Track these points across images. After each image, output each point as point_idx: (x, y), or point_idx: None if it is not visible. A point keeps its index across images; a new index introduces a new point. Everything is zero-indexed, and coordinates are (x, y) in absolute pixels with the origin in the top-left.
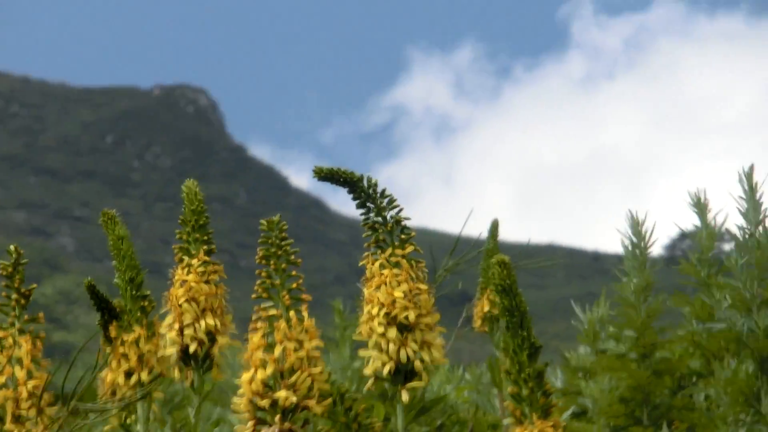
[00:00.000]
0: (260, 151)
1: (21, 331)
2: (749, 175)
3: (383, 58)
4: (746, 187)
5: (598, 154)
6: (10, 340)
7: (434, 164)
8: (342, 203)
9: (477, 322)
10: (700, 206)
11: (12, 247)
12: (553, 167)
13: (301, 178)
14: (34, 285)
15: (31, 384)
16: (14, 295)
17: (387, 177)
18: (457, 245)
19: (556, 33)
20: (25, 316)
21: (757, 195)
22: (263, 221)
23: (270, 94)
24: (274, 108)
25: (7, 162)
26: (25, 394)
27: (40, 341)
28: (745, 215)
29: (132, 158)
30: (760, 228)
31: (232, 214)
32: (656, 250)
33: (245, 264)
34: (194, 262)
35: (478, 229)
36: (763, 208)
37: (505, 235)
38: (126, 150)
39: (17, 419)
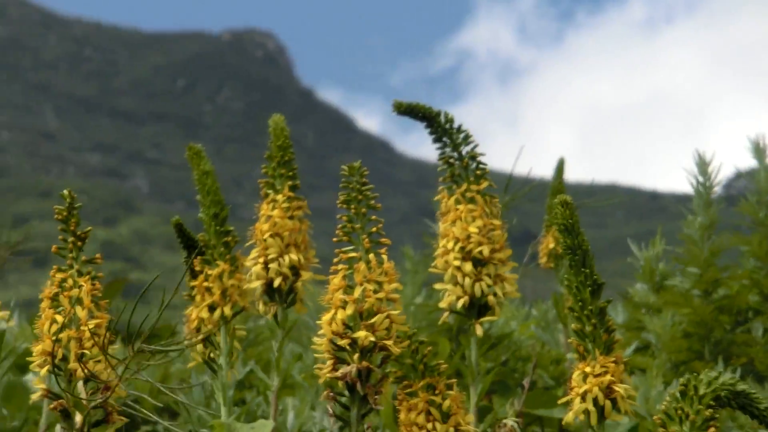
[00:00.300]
0: (330, 95)
1: (79, 273)
2: None
3: (449, 2)
4: None
5: (658, 97)
6: (70, 281)
7: (499, 107)
8: (408, 145)
9: (543, 259)
10: (758, 150)
11: (65, 192)
12: (615, 110)
13: (369, 121)
14: (90, 228)
15: (92, 323)
16: (71, 238)
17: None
18: (520, 184)
19: None
20: (83, 257)
21: None
22: (344, 166)
23: (339, 38)
24: (343, 53)
25: (81, 105)
26: (87, 334)
27: (98, 281)
28: None
29: (203, 101)
30: None
31: (300, 155)
32: (717, 190)
33: (313, 204)
34: (279, 197)
35: (543, 169)
36: None
37: (568, 174)
38: (197, 93)
39: (81, 359)
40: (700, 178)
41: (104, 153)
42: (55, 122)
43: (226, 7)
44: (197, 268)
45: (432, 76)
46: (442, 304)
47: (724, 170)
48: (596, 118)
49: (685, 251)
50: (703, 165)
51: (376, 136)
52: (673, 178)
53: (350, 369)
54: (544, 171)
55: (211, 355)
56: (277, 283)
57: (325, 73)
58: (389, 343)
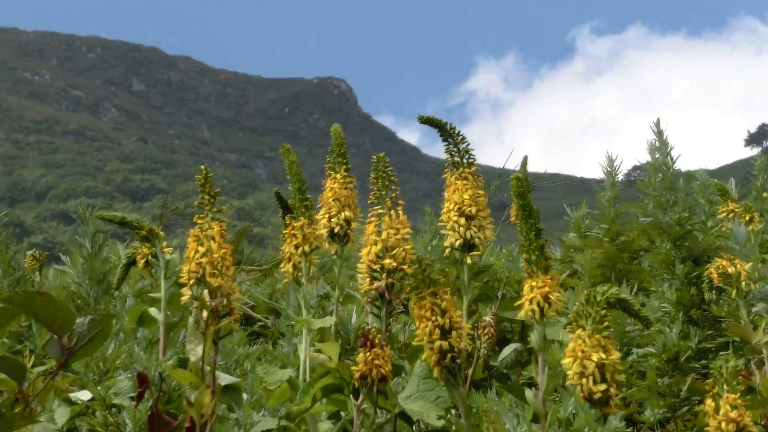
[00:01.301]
0: (383, 120)
1: (213, 219)
2: (658, 126)
3: (461, 60)
4: (656, 135)
5: (592, 121)
6: (206, 224)
7: (491, 129)
8: (431, 150)
9: (513, 217)
10: (651, 149)
11: (202, 167)
12: (565, 129)
13: (409, 135)
14: (218, 189)
15: (221, 252)
16: (206, 197)
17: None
18: (506, 175)
19: (567, 47)
20: (214, 209)
21: (664, 137)
22: (374, 156)
23: (390, 82)
24: (394, 93)
25: (224, 123)
26: (218, 258)
27: (225, 225)
28: (656, 150)
29: (300, 122)
30: (668, 159)
31: (359, 156)
32: (621, 177)
33: (362, 184)
34: (338, 176)
35: (517, 164)
36: (669, 148)
37: (531, 167)
38: (297, 116)
39: (213, 275)
40: (608, 168)
41: (238, 153)
42: (207, 134)
43: (317, 61)
44: (287, 222)
45: (449, 107)
46: (446, 243)
47: (627, 163)
48: (552, 134)
49: (599, 213)
50: (610, 160)
51: (411, 144)
52: (595, 170)
53: (380, 283)
54: (517, 163)
55: (298, 275)
56: (336, 230)
57: (381, 105)
58: (405, 266)
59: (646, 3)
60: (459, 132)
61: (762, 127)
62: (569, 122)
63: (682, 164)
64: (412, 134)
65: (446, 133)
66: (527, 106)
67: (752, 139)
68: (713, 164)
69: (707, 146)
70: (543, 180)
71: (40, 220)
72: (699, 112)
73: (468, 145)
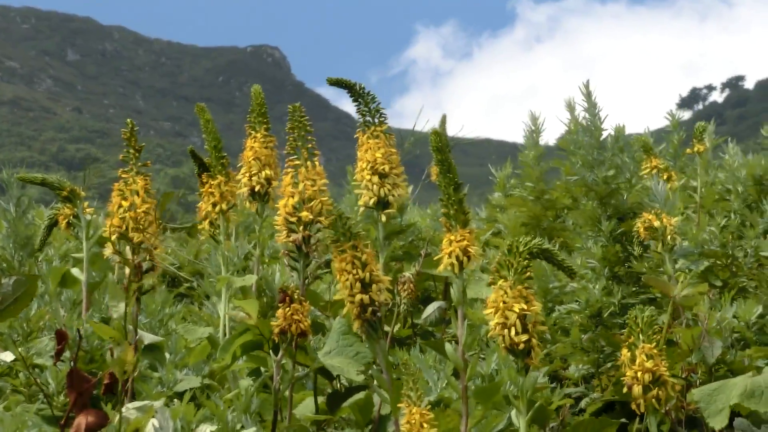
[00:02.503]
0: (324, 90)
1: (137, 173)
2: (587, 87)
3: (401, 29)
4: (585, 96)
5: (531, 88)
6: (131, 179)
7: (431, 97)
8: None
9: (433, 176)
10: (570, 107)
11: (128, 120)
12: (503, 95)
13: (348, 105)
14: (144, 144)
15: (144, 207)
16: (132, 151)
17: (401, 105)
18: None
19: (508, 14)
20: (139, 164)
21: (592, 98)
22: (290, 106)
23: (327, 52)
24: (331, 63)
25: (159, 92)
26: (141, 213)
27: (149, 179)
28: (585, 111)
29: (235, 90)
30: (596, 119)
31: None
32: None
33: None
34: (258, 134)
35: (454, 129)
36: (597, 109)
37: (471, 131)
38: (231, 85)
39: (136, 230)
40: (533, 127)
41: (173, 122)
42: (142, 103)
43: (251, 29)
44: (204, 180)
45: (390, 77)
46: (360, 202)
47: (552, 123)
48: (492, 103)
49: (523, 172)
50: (534, 119)
51: (345, 111)
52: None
53: (297, 236)
54: (453, 130)
55: (216, 233)
56: (257, 188)
57: (321, 75)
58: (321, 218)
59: None
60: (369, 92)
61: (693, 90)
62: (508, 90)
63: (630, 128)
64: (352, 104)
65: (356, 93)
66: (467, 74)
67: (683, 103)
68: (652, 128)
69: (646, 111)
70: (462, 141)
71: None
72: (640, 78)
73: (378, 104)
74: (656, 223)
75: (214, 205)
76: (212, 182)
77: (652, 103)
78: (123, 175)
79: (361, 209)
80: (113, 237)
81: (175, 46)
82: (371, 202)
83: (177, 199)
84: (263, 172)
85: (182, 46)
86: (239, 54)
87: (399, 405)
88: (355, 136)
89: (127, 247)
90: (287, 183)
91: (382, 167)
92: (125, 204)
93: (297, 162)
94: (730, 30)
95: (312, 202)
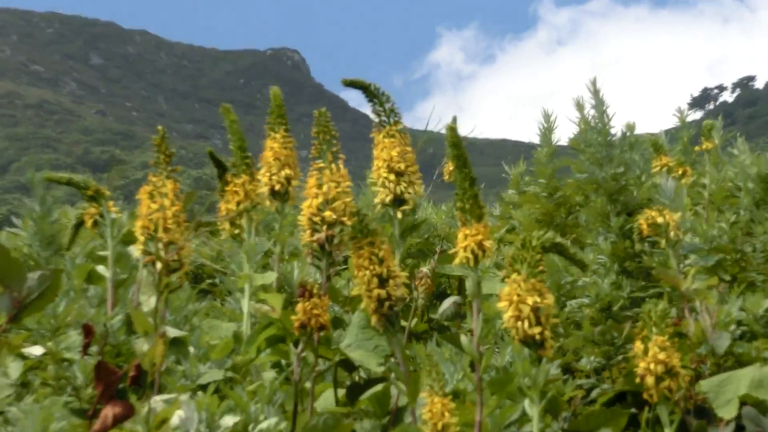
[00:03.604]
0: (346, 94)
1: (167, 177)
2: (594, 85)
3: (424, 33)
4: (593, 94)
5: (554, 89)
6: (160, 182)
7: (453, 100)
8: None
9: (445, 176)
10: (579, 106)
11: (160, 128)
12: (527, 97)
13: (358, 105)
14: (173, 150)
15: (173, 208)
16: (162, 156)
17: (423, 109)
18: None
19: (530, 17)
20: (169, 168)
21: (600, 95)
22: (315, 111)
23: (348, 56)
24: (353, 66)
25: (180, 95)
26: (170, 214)
27: (178, 183)
28: (593, 109)
29: (255, 92)
30: (604, 117)
31: (311, 123)
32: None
33: (305, 143)
34: (278, 135)
35: (475, 132)
36: (605, 107)
37: (493, 133)
38: (251, 87)
39: (165, 230)
40: (545, 125)
41: (195, 124)
42: (164, 106)
43: (271, 33)
44: (228, 180)
45: (413, 80)
46: (376, 200)
47: (568, 123)
48: (514, 104)
49: (536, 170)
50: (547, 117)
51: (363, 113)
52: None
53: (321, 235)
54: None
55: (239, 232)
56: (277, 188)
57: (338, 77)
58: (344, 218)
59: None
60: (384, 92)
61: (704, 90)
62: (530, 93)
63: (649, 128)
64: (359, 104)
65: (371, 93)
66: (489, 77)
67: (695, 103)
68: (667, 128)
69: (665, 112)
70: (475, 141)
71: (4, 192)
72: (660, 80)
73: (393, 104)
74: (659, 220)
75: (238, 203)
76: (237, 181)
77: (671, 104)
78: (153, 179)
79: (378, 207)
80: (142, 237)
81: (196, 50)
82: (388, 199)
83: (198, 199)
84: (283, 172)
85: (203, 50)
86: (259, 57)
87: (420, 395)
88: (370, 135)
89: (159, 244)
90: (312, 185)
91: (398, 165)
92: (154, 206)
93: (322, 165)
94: (751, 33)
95: (335, 203)
